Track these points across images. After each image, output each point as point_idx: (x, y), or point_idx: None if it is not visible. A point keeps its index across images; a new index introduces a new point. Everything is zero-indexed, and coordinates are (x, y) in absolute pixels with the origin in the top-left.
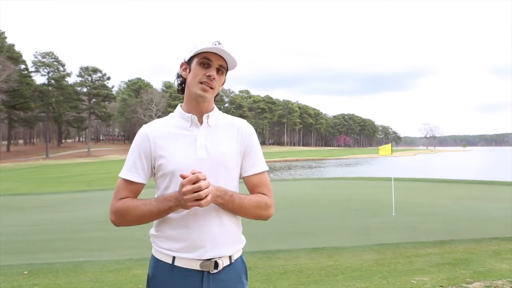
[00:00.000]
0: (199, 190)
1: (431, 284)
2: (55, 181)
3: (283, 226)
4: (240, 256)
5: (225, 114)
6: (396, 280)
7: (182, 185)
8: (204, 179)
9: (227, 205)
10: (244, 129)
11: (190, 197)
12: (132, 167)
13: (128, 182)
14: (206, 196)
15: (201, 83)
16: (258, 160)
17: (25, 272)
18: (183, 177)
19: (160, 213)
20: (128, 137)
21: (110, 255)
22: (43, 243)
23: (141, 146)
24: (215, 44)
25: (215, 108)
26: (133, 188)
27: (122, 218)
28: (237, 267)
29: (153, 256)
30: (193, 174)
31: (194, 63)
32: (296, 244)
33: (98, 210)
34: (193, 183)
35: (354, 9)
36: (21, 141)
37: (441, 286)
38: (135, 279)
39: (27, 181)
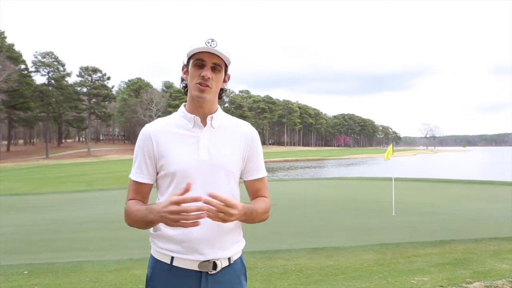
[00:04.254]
0: (186, 212)
1: (431, 284)
2: (55, 181)
3: (283, 226)
4: (240, 257)
5: (229, 115)
6: (396, 280)
7: (170, 202)
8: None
9: (248, 220)
10: (249, 133)
11: (174, 217)
12: (138, 168)
13: (135, 183)
14: (195, 221)
15: (197, 84)
16: (260, 165)
17: (25, 272)
18: (188, 185)
19: (147, 223)
20: (128, 137)
21: (110, 255)
22: (43, 243)
23: (144, 146)
24: (208, 42)
25: (219, 109)
26: (140, 189)
27: (128, 220)
28: (236, 268)
29: (151, 256)
30: (188, 184)
31: (190, 65)
32: (296, 244)
33: (98, 210)
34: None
35: (354, 8)
36: (21, 141)
37: (441, 286)
38: (135, 279)
39: (27, 181)
